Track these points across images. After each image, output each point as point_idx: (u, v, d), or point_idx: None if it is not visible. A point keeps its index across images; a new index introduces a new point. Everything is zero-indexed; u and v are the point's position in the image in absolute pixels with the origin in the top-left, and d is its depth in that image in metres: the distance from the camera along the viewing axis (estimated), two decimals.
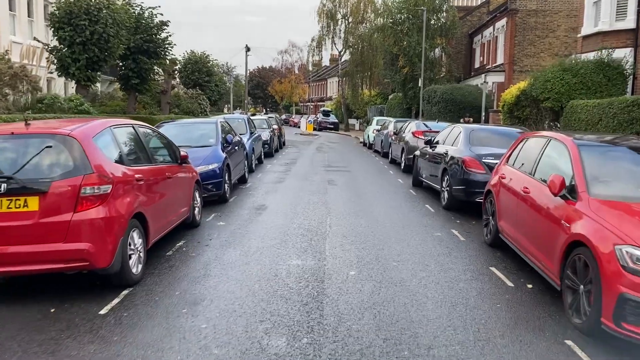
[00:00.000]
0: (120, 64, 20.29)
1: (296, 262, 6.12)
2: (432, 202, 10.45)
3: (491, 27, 32.72)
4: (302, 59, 70.18)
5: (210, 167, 9.79)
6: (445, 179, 9.89)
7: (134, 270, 5.36)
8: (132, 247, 5.35)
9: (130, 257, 5.30)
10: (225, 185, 10.14)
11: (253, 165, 15.45)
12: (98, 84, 29.76)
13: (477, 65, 36.38)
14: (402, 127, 18.18)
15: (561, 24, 28.86)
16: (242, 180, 12.81)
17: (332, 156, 21.67)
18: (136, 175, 5.61)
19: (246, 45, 57.09)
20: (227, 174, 10.31)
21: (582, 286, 4.42)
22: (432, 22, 34.76)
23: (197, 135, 10.91)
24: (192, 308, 4.73)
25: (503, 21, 30.27)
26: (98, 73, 17.00)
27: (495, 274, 5.89)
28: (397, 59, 35.90)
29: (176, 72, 27.81)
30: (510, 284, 5.58)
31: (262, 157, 18.30)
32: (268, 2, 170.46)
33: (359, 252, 6.64)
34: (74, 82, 17.17)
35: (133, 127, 6.31)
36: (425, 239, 7.44)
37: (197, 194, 8.08)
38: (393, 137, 18.80)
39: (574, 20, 28.53)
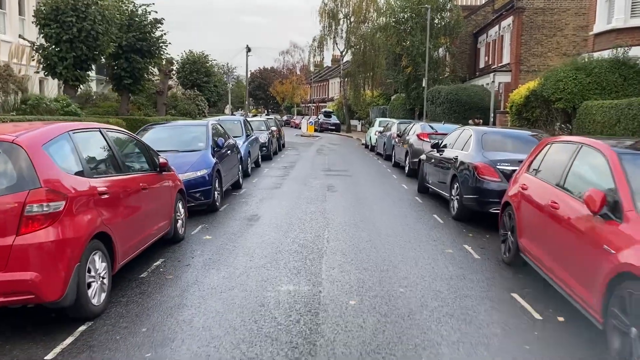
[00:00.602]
0: (113, 63, 19.50)
1: (287, 288, 5.29)
2: (440, 212, 9.62)
3: (497, 26, 31.89)
4: (303, 60, 69.51)
5: (199, 173, 8.99)
6: (455, 186, 9.06)
7: (94, 301, 4.54)
8: (92, 273, 4.53)
9: (89, 286, 4.48)
10: (215, 193, 9.33)
11: (249, 170, 14.64)
12: (92, 84, 29.06)
13: (482, 65, 35.56)
14: (406, 129, 17.35)
15: (569, 22, 27.99)
16: (236, 185, 12.01)
17: (333, 159, 20.85)
18: (100, 188, 4.80)
19: (247, 45, 56.31)
20: (217, 181, 9.50)
21: (634, 329, 3.59)
22: (436, 21, 33.98)
23: (185, 139, 10.11)
24: (158, 352, 3.92)
25: (509, 20, 29.42)
26: (87, 73, 16.18)
27: (519, 303, 5.06)
28: (400, 59, 35.10)
29: (173, 72, 27.02)
30: (537, 315, 4.75)
31: (260, 160, 17.51)
32: (269, 2, 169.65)
33: (360, 274, 5.81)
34: (61, 82, 16.37)
35: (100, 131, 5.49)
36: (435, 257, 6.61)
37: (180, 205, 7.27)
38: (396, 140, 17.97)
39: (583, 18, 27.69)
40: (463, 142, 9.57)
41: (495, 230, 7.94)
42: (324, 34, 46.17)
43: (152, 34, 19.73)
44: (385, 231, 7.93)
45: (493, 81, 21.60)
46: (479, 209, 8.36)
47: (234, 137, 13.90)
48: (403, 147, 16.20)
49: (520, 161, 8.07)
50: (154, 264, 6.12)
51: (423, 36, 32.11)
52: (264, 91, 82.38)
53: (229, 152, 11.03)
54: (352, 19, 44.93)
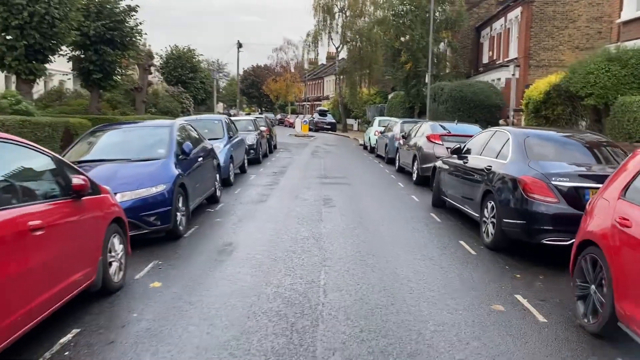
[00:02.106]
0: (81, 55, 17.33)
1: None
2: (468, 236, 7.53)
3: (502, 19, 29.91)
4: (297, 57, 67.27)
5: (155, 190, 6.86)
6: (489, 205, 6.96)
7: None
8: None
9: None
10: (178, 214, 7.20)
11: (231, 178, 12.51)
12: (69, 81, 26.79)
13: (485, 60, 33.62)
14: (411, 129, 15.28)
15: (582, 14, 26.05)
16: (213, 199, 9.88)
17: (329, 163, 18.74)
18: None
19: (238, 41, 54.21)
20: (181, 199, 7.38)
21: None
22: (437, 14, 31.93)
23: (142, 145, 7.97)
24: None
25: (517, 11, 27.44)
26: (44, 65, 13.99)
27: None
28: (399, 55, 33.06)
29: (154, 66, 24.84)
30: None
31: (246, 165, 15.38)
32: (263, 1, 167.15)
33: None
34: (11, 75, 14.20)
35: None
36: (481, 320, 4.51)
37: (116, 241, 5.15)
38: (400, 142, 15.91)
39: (597, 8, 25.81)
40: (497, 147, 7.49)
41: (550, 266, 5.94)
42: (318, 29, 44.06)
43: (125, 23, 17.54)
44: (403, 272, 5.82)
45: (513, 74, 19.47)
46: (526, 239, 6.28)
47: (214, 139, 11.85)
48: (409, 151, 14.13)
49: (582, 176, 6.07)
50: (61, 340, 4.00)
51: (423, 30, 30.12)
52: (257, 89, 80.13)
53: (200, 159, 8.90)
54: (347, 13, 42.83)
